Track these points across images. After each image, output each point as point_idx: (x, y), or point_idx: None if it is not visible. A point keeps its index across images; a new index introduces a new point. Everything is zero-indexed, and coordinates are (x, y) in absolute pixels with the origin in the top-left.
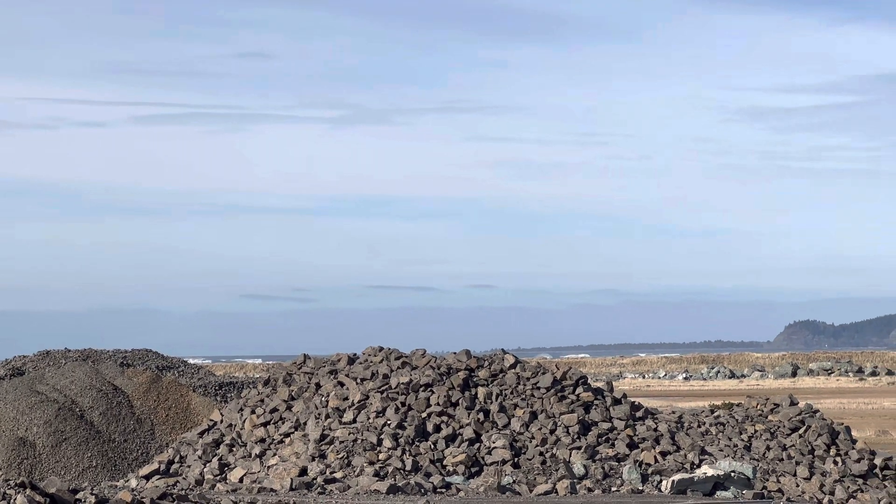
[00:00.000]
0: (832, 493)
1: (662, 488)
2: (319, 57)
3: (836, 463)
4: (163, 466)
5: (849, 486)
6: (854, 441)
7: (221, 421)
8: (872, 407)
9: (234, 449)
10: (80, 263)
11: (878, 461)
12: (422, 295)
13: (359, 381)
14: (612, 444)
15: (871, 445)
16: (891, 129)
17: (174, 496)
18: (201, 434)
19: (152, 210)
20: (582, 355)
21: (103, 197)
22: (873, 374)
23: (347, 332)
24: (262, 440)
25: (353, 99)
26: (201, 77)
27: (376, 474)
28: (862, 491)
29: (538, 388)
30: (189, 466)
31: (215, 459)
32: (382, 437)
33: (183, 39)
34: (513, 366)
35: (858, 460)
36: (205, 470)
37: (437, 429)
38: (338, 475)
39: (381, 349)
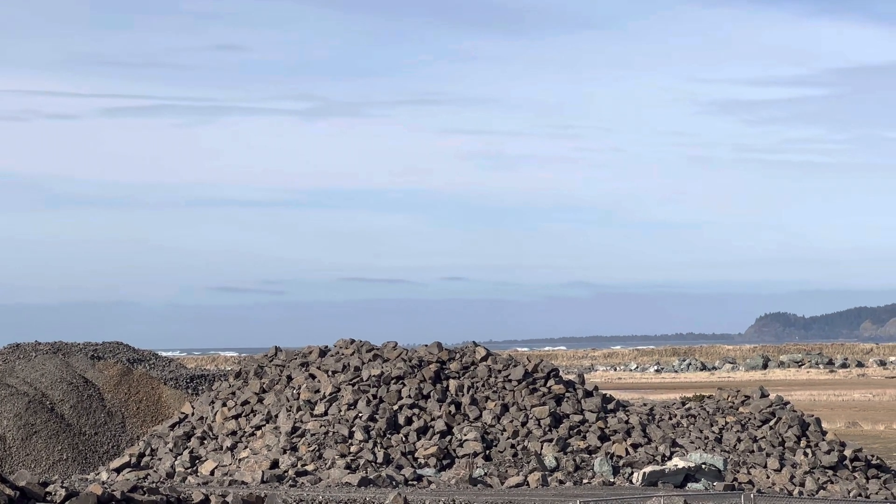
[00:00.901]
0: (802, 485)
1: (634, 480)
2: (290, 49)
3: (806, 454)
4: (133, 459)
5: (819, 478)
6: (824, 433)
7: (192, 414)
8: (843, 399)
9: (206, 442)
10: (51, 256)
11: (847, 452)
12: (394, 287)
13: (330, 373)
14: (584, 437)
15: (842, 437)
16: (862, 121)
17: (145, 489)
18: (172, 427)
19: (124, 202)
20: (554, 348)
21: (75, 189)
22: (843, 366)
23: (319, 324)
24: (234, 433)
25: (324, 91)
26: (172, 69)
27: (348, 467)
28: (832, 482)
29: (509, 381)
30: (160, 459)
31: (186, 452)
32: (354, 429)
33: (154, 32)
34: (484, 358)
35: (828, 452)
36: (176, 463)
37: (409, 421)
38: (309, 468)
39: (352, 342)
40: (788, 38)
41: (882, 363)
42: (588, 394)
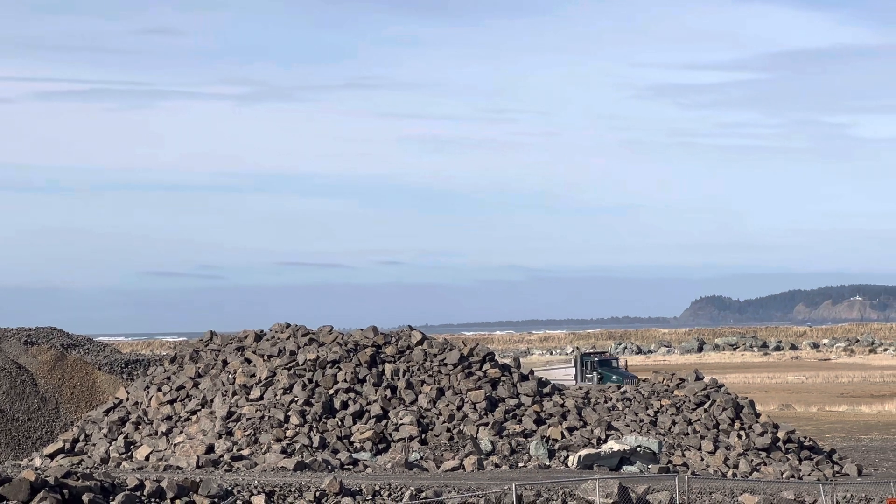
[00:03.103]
0: (736, 467)
1: (569, 464)
2: (226, 33)
3: (740, 437)
4: (67, 445)
5: (752, 460)
6: (758, 415)
7: (127, 399)
8: (776, 381)
9: (140, 427)
10: None
11: (781, 434)
12: (330, 271)
13: (266, 357)
14: (519, 420)
15: (775, 419)
16: (796, 105)
17: (79, 475)
18: (107, 412)
19: (57, 187)
20: (490, 332)
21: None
22: (777, 348)
23: (256, 309)
24: (169, 418)
25: (259, 75)
26: (106, 53)
27: (283, 451)
28: (765, 464)
29: (445, 365)
30: (94, 445)
31: (121, 437)
32: (290, 413)
33: (88, 15)
34: (420, 342)
35: (762, 434)
36: (110, 448)
37: (345, 405)
38: (245, 452)
39: (288, 326)
40: (723, 23)
41: (815, 346)
42: (524, 377)
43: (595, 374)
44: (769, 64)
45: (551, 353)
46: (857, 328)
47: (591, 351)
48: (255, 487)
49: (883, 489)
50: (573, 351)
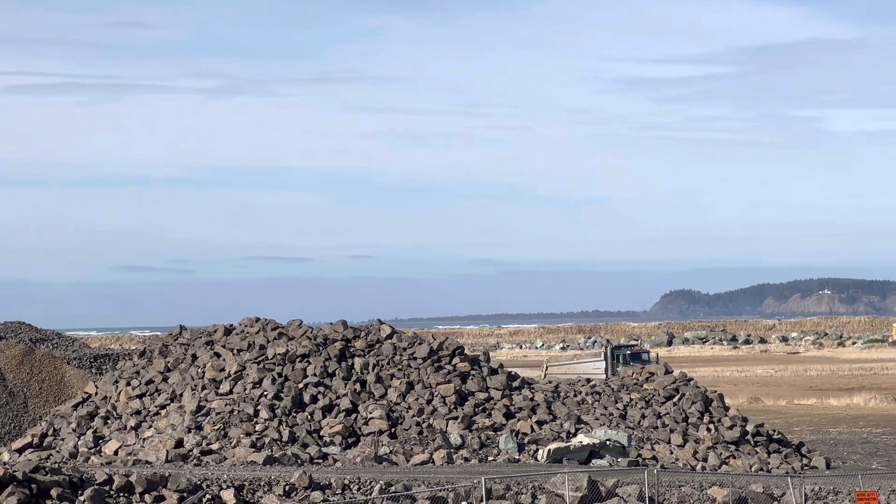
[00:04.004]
0: (705, 460)
1: (539, 457)
2: (198, 27)
3: (709, 430)
4: (36, 440)
5: (721, 453)
6: (727, 408)
7: (96, 393)
8: (745, 375)
9: (109, 421)
10: None
11: (749, 427)
12: (300, 265)
13: (235, 351)
14: (489, 414)
15: (744, 412)
16: (766, 100)
17: (47, 469)
18: (75, 407)
19: (26, 181)
20: (459, 325)
21: None
22: (747, 342)
23: (226, 303)
24: (138, 412)
25: (231, 69)
26: (77, 46)
27: (253, 445)
28: (734, 457)
29: (415, 359)
30: (63, 439)
31: (90, 432)
32: (259, 408)
33: (59, 8)
34: (389, 336)
35: (731, 427)
36: (79, 443)
37: (314, 399)
38: (214, 447)
39: (257, 320)
40: (694, 17)
41: (784, 339)
42: (493, 371)
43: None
44: (739, 58)
45: (521, 347)
46: (826, 322)
47: (623, 343)
48: (225, 482)
49: (851, 482)
50: (592, 342)
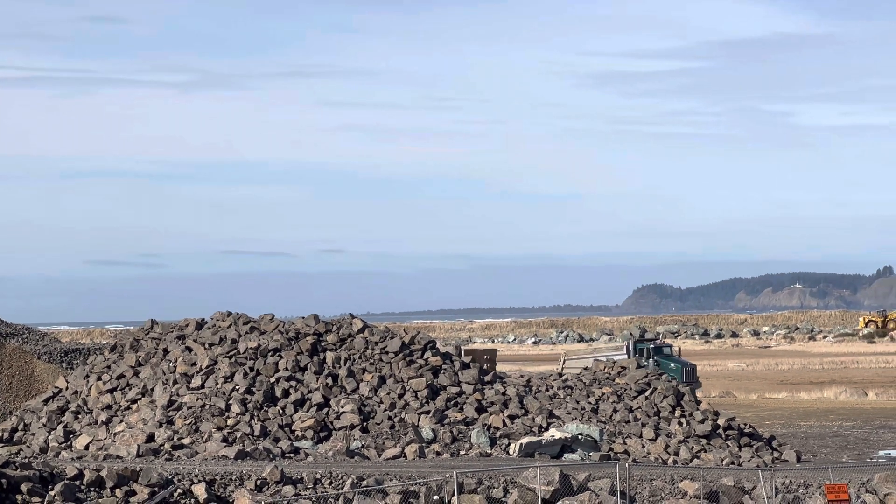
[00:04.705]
0: (677, 454)
1: (511, 451)
2: (168, 21)
3: (680, 424)
4: (6, 434)
5: (693, 447)
6: (698, 402)
7: (67, 388)
8: (717, 368)
9: (80, 416)
10: None
11: (721, 421)
12: (272, 260)
13: (207, 346)
14: (461, 409)
15: (715, 406)
16: (737, 94)
17: (17, 464)
18: (46, 401)
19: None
20: (431, 320)
21: None
22: (718, 336)
23: (198, 297)
24: (109, 407)
25: (201, 64)
26: (48, 40)
27: (224, 440)
28: (706, 450)
29: (387, 353)
30: (33, 434)
31: (60, 427)
32: (231, 402)
33: (30, 1)
34: (361, 330)
35: (702, 421)
36: (49, 437)
37: (286, 394)
38: (185, 441)
39: (229, 314)
40: (665, 11)
41: (755, 333)
42: (465, 366)
43: (651, 362)
44: (710, 52)
45: (493, 342)
46: (797, 316)
47: (646, 337)
48: (196, 476)
49: (821, 475)
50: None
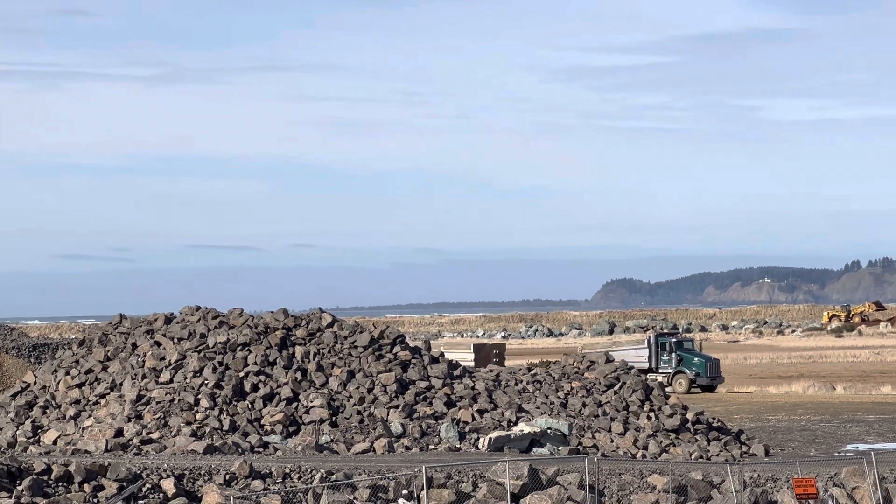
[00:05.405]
0: (646, 448)
1: (480, 446)
2: (137, 15)
3: (649, 418)
4: None
5: (662, 441)
6: (667, 397)
7: (35, 382)
8: None
9: (48, 411)
10: None
11: (689, 416)
12: (241, 254)
13: (176, 340)
14: (430, 403)
15: (684, 401)
16: (708, 88)
17: None
18: (14, 396)
19: None
20: (401, 314)
21: None
22: (687, 330)
23: (167, 291)
24: (77, 401)
25: (172, 57)
26: (15, 33)
27: (193, 434)
28: (674, 445)
29: (356, 347)
30: (1, 429)
31: (28, 422)
32: (200, 396)
33: None
34: (330, 325)
35: (671, 415)
36: (17, 432)
37: (255, 388)
38: (154, 436)
39: (198, 308)
40: (635, 6)
41: (724, 328)
42: (434, 360)
43: (674, 357)
44: (680, 47)
45: (462, 336)
46: (766, 310)
47: (667, 331)
48: (165, 471)
49: (789, 469)
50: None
